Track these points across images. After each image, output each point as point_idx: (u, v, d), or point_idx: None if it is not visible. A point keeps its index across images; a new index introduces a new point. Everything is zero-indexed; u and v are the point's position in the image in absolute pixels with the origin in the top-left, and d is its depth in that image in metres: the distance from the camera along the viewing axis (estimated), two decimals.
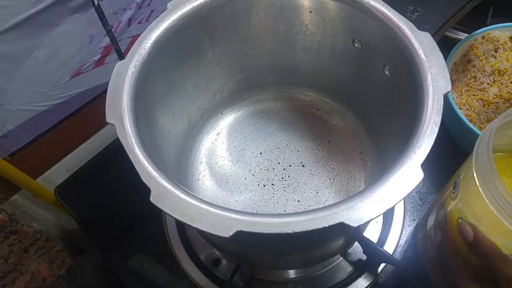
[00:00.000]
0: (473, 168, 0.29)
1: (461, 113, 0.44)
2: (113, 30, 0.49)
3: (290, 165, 0.45)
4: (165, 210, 0.24)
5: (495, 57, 0.49)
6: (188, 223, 0.23)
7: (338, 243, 0.35)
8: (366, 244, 0.42)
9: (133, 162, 0.26)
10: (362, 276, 0.43)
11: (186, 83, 0.41)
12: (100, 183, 0.54)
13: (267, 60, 0.44)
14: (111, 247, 0.49)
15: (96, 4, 0.44)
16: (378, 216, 0.23)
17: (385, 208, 0.23)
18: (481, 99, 0.47)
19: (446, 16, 0.48)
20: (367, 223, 0.27)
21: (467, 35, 0.53)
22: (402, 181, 0.24)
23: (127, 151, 0.27)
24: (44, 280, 0.54)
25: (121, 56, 0.51)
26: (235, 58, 0.43)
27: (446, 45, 0.44)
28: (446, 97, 0.29)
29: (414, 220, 0.47)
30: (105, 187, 0.53)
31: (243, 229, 0.22)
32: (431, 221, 0.39)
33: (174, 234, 0.47)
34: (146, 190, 0.24)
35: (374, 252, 0.42)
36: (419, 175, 0.24)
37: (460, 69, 0.51)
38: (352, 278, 0.43)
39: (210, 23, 0.37)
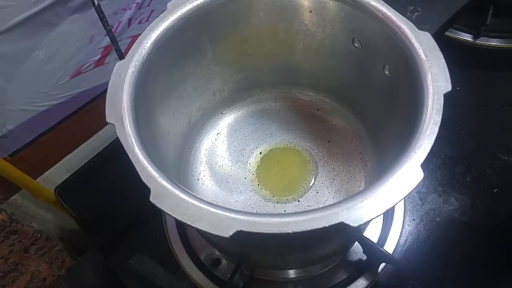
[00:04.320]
0: None
1: None
2: (113, 30, 0.49)
3: None
4: (165, 210, 0.24)
5: None
6: (188, 223, 0.23)
7: (338, 243, 0.35)
8: (366, 244, 0.42)
9: (133, 162, 0.26)
10: (362, 276, 0.43)
11: (186, 83, 0.41)
12: (100, 183, 0.54)
13: (267, 60, 0.44)
14: (111, 247, 0.49)
15: (96, 4, 0.44)
16: (378, 216, 0.23)
17: (385, 208, 0.23)
18: None
19: (446, 16, 0.48)
20: (367, 223, 0.27)
21: (467, 35, 0.52)
22: (402, 181, 0.24)
23: (127, 151, 0.27)
24: (44, 280, 0.54)
25: (121, 56, 0.51)
26: (235, 58, 0.43)
27: (446, 45, 0.44)
28: None
29: (414, 220, 0.47)
30: (105, 187, 0.53)
31: (243, 229, 0.22)
32: None
33: (174, 234, 0.47)
34: (146, 190, 0.24)
35: (374, 252, 0.42)
36: (419, 175, 0.24)
37: None
38: (352, 278, 0.43)
39: (210, 23, 0.37)
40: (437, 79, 0.28)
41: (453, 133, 0.52)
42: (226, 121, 0.49)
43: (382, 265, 0.43)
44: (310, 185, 0.43)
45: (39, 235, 0.54)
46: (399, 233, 0.45)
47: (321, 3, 0.37)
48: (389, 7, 0.32)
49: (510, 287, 0.43)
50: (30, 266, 0.52)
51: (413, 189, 0.23)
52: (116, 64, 0.31)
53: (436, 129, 0.26)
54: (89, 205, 0.53)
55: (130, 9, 0.50)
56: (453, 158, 0.50)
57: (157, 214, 0.49)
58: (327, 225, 0.22)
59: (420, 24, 0.30)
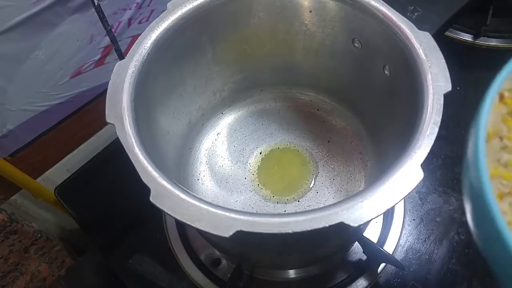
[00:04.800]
0: None
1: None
2: (113, 30, 0.49)
3: None
4: (165, 210, 0.24)
5: None
6: (188, 223, 0.23)
7: (338, 243, 0.35)
8: (366, 244, 0.42)
9: (133, 162, 0.26)
10: (362, 276, 0.43)
11: (186, 83, 0.41)
12: (100, 183, 0.54)
13: (267, 60, 0.44)
14: (111, 247, 0.49)
15: (96, 4, 0.44)
16: (378, 216, 0.23)
17: (385, 208, 0.23)
18: None
19: (446, 16, 0.48)
20: (367, 223, 0.27)
21: (467, 35, 0.52)
22: (402, 181, 0.24)
23: (127, 151, 0.27)
24: (44, 280, 0.54)
25: (121, 56, 0.51)
26: (235, 58, 0.43)
27: (446, 45, 0.45)
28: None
29: (414, 220, 0.47)
30: (105, 187, 0.53)
31: (243, 229, 0.22)
32: None
33: (174, 234, 0.47)
34: (146, 190, 0.24)
35: (374, 252, 0.42)
36: (419, 175, 0.24)
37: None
38: (352, 278, 0.43)
39: (210, 23, 0.37)
40: (437, 79, 0.28)
41: (453, 133, 0.52)
42: (226, 121, 0.49)
43: (382, 265, 0.43)
44: (310, 185, 0.43)
45: (39, 235, 0.54)
46: (399, 233, 0.45)
47: (321, 3, 0.37)
48: (389, 7, 0.32)
49: None
50: (30, 266, 0.52)
51: (413, 189, 0.23)
52: (116, 64, 0.31)
53: (436, 129, 0.26)
54: (89, 205, 0.53)
55: (130, 9, 0.50)
56: (453, 158, 0.50)
57: (157, 214, 0.49)
58: (327, 225, 0.22)
59: (420, 24, 0.31)
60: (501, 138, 0.20)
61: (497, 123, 0.20)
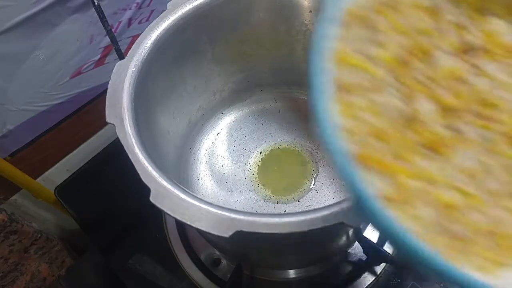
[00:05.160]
0: None
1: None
2: (113, 30, 0.49)
3: None
4: (165, 210, 0.24)
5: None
6: (188, 223, 0.23)
7: (338, 243, 0.35)
8: (366, 244, 0.42)
9: (133, 162, 0.26)
10: (362, 276, 0.43)
11: (186, 83, 0.41)
12: (100, 183, 0.54)
13: (267, 60, 0.44)
14: (111, 247, 0.49)
15: (96, 4, 0.44)
16: None
17: None
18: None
19: None
20: (367, 223, 0.27)
21: None
22: None
23: (127, 151, 0.27)
24: (44, 280, 0.54)
25: (121, 56, 0.51)
26: (235, 58, 0.43)
27: None
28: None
29: None
30: (105, 187, 0.53)
31: (243, 229, 0.22)
32: None
33: (174, 234, 0.47)
34: (146, 190, 0.24)
35: (374, 252, 0.42)
36: None
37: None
38: (352, 278, 0.43)
39: (210, 23, 0.37)
40: None
41: None
42: (226, 121, 0.49)
43: (382, 265, 0.43)
44: (310, 185, 0.43)
45: (39, 235, 0.54)
46: None
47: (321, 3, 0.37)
48: None
49: None
50: (30, 266, 0.52)
51: None
52: (116, 64, 0.31)
53: None
54: (89, 205, 0.53)
55: (130, 9, 0.50)
56: None
57: (157, 214, 0.49)
58: (327, 225, 0.22)
59: None
60: (372, 28, 0.17)
61: (371, 11, 0.17)
